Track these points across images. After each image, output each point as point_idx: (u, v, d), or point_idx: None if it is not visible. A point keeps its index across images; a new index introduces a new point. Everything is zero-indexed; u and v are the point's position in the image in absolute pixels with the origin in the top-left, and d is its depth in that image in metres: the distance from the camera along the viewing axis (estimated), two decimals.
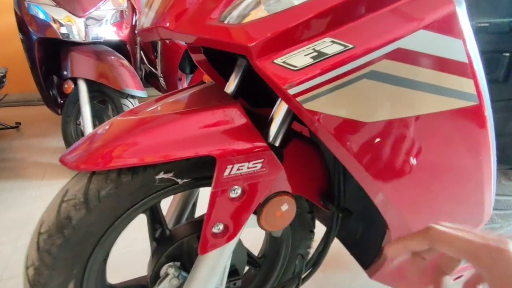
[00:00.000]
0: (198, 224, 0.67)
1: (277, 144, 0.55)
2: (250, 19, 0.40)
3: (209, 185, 0.63)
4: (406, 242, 0.33)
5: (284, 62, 0.38)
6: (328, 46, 0.37)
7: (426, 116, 0.41)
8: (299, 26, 0.38)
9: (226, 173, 0.50)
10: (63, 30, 1.78)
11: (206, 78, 2.24)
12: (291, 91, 0.38)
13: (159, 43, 2.23)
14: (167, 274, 0.62)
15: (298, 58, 0.38)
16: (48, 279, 0.54)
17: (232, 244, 0.56)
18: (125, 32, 1.99)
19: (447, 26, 0.38)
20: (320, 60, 0.37)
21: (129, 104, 1.79)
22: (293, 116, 0.55)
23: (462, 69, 0.39)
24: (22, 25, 1.84)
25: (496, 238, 0.29)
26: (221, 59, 0.78)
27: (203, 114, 0.52)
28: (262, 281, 0.81)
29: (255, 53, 0.39)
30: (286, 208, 0.56)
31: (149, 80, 2.82)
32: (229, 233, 0.53)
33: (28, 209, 1.54)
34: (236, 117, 0.52)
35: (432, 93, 0.39)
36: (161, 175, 0.56)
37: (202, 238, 0.52)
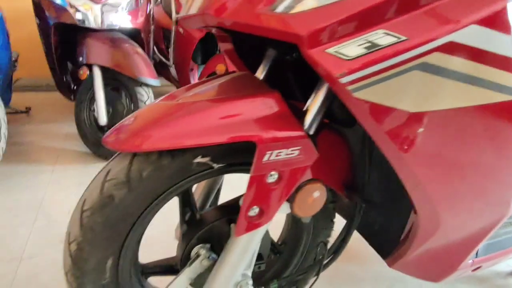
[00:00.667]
0: (227, 209, 0.69)
1: (311, 132, 0.57)
2: (302, 9, 0.42)
3: (240, 171, 0.65)
4: None
5: (336, 51, 0.40)
6: (381, 37, 0.39)
7: (470, 108, 0.42)
8: (352, 17, 0.39)
9: (265, 158, 0.52)
10: (80, 16, 1.79)
11: (218, 70, 2.25)
12: (342, 80, 0.39)
13: (172, 33, 2.24)
14: (198, 255, 0.65)
15: (351, 48, 0.39)
16: (89, 255, 0.56)
17: (265, 227, 0.58)
18: (140, 20, 1.99)
19: (498, 21, 0.39)
20: (373, 51, 0.39)
21: (143, 92, 1.80)
22: (328, 106, 0.57)
23: (510, 64, 0.41)
24: (39, 10, 1.84)
25: None
26: (247, 50, 0.79)
27: (244, 101, 0.54)
28: (282, 267, 0.84)
29: (307, 42, 0.40)
30: (317, 195, 0.58)
31: (159, 70, 2.82)
32: (264, 217, 0.55)
33: (42, 192, 1.56)
34: (276, 104, 0.54)
35: (480, 86, 0.41)
36: (199, 159, 0.57)
37: (238, 221, 0.54)
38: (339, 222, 0.81)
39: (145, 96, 1.80)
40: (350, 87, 0.40)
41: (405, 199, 0.64)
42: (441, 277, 0.72)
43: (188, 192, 0.66)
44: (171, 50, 2.31)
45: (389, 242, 0.76)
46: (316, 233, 0.81)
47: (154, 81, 1.82)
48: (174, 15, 2.15)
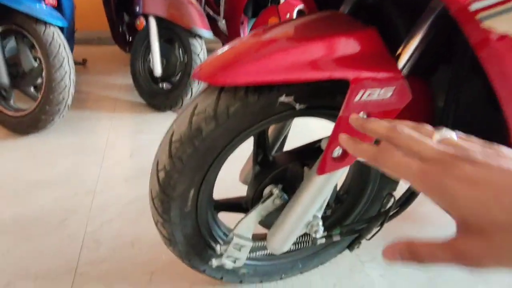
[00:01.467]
0: (301, 153, 0.70)
1: (405, 73, 0.54)
2: None
3: (319, 115, 0.64)
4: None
5: None
6: None
7: None
8: None
9: (357, 98, 0.50)
10: None
11: (271, 23, 2.17)
12: (472, 7, 0.36)
13: None
14: (271, 194, 0.67)
15: None
16: (176, 183, 0.60)
17: (345, 169, 0.58)
18: None
19: None
20: None
21: (197, 44, 1.81)
22: (424, 48, 0.53)
23: None
24: None
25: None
26: None
27: (338, 37, 0.51)
28: (343, 216, 0.85)
29: None
30: None
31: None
32: (346, 158, 0.55)
33: (105, 136, 1.68)
34: (373, 42, 0.51)
35: None
36: (283, 98, 0.57)
37: (322, 160, 0.55)
38: None
39: (199, 48, 1.80)
40: (479, 16, 0.36)
41: None
42: None
43: (264, 133, 0.67)
44: (222, 2, 2.26)
45: None
46: (382, 185, 0.80)
47: (208, 33, 1.81)
48: None
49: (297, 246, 0.78)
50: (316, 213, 0.66)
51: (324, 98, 0.60)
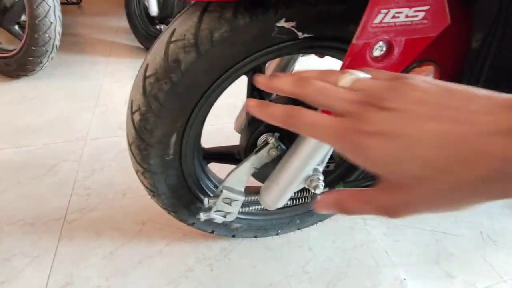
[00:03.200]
0: None
1: None
2: None
3: (329, 49, 0.52)
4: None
5: None
6: None
7: None
8: None
9: (378, 20, 0.38)
10: None
11: None
12: None
13: None
14: (266, 143, 0.58)
15: None
16: (153, 127, 0.51)
17: None
18: None
19: None
20: None
21: None
22: None
23: None
24: None
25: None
26: None
27: None
28: (346, 172, 0.77)
29: None
30: None
31: None
32: None
33: (99, 82, 1.58)
34: None
35: None
36: (282, 23, 0.45)
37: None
38: None
39: None
40: None
41: None
42: None
43: (260, 71, 0.56)
44: None
45: None
46: None
47: None
48: None
49: (295, 201, 0.71)
50: (317, 166, 0.57)
51: (334, 26, 0.48)
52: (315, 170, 0.57)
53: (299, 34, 0.47)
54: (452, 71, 0.58)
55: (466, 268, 0.84)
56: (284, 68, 0.70)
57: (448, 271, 0.83)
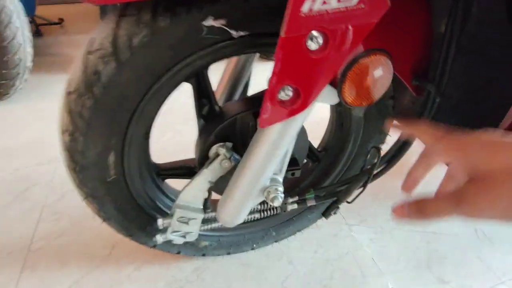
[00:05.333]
0: (254, 101, 0.55)
1: None
2: None
3: (272, 47, 0.47)
4: None
5: None
6: None
7: None
8: None
9: (305, 8, 0.34)
10: None
11: None
12: None
13: None
14: (217, 155, 0.53)
15: None
16: (84, 147, 0.47)
17: (301, 118, 0.43)
18: None
19: None
20: None
21: None
22: None
23: None
24: None
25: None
26: None
27: None
28: (320, 177, 0.72)
29: None
30: (380, 74, 0.40)
31: None
32: (299, 102, 0.40)
33: None
34: None
35: None
36: (210, 22, 0.41)
37: (264, 106, 0.40)
38: None
39: None
40: None
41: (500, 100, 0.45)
42: None
43: (204, 77, 0.51)
44: None
45: None
46: (367, 138, 0.65)
47: None
48: None
49: (264, 214, 0.66)
50: (275, 175, 0.52)
51: (272, 21, 0.43)
52: (273, 180, 0.52)
53: (233, 33, 0.42)
54: (412, 60, 0.52)
55: (460, 271, 0.78)
56: (241, 72, 0.66)
57: (441, 276, 0.76)
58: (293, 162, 0.59)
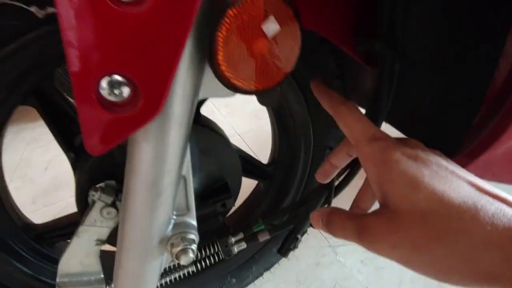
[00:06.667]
0: None
1: None
2: None
3: None
4: None
5: None
6: None
7: None
8: None
9: None
10: None
11: None
12: None
13: None
14: (93, 202, 0.36)
15: None
16: None
17: (170, 124, 0.26)
18: None
19: None
20: None
21: None
22: None
23: None
24: None
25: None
26: None
27: None
28: (277, 197, 0.55)
29: None
30: (272, 29, 0.24)
31: None
32: (142, 101, 0.23)
33: (20, 152, 1.39)
34: None
35: None
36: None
37: (81, 119, 0.23)
38: None
39: None
40: None
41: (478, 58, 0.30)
42: None
43: (52, 93, 0.35)
44: None
45: (447, 134, 0.41)
46: (320, 137, 0.48)
47: None
48: None
49: (203, 264, 0.48)
50: (181, 217, 0.35)
51: None
52: (178, 226, 0.35)
53: (33, 8, 0.26)
54: (350, 13, 0.37)
55: None
56: None
57: None
58: (222, 189, 0.43)
